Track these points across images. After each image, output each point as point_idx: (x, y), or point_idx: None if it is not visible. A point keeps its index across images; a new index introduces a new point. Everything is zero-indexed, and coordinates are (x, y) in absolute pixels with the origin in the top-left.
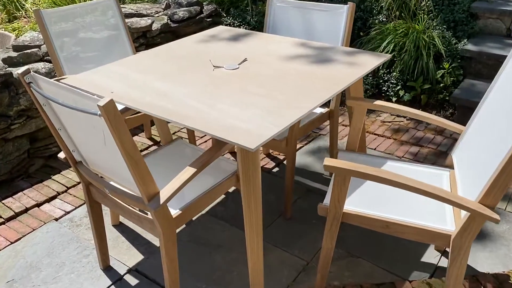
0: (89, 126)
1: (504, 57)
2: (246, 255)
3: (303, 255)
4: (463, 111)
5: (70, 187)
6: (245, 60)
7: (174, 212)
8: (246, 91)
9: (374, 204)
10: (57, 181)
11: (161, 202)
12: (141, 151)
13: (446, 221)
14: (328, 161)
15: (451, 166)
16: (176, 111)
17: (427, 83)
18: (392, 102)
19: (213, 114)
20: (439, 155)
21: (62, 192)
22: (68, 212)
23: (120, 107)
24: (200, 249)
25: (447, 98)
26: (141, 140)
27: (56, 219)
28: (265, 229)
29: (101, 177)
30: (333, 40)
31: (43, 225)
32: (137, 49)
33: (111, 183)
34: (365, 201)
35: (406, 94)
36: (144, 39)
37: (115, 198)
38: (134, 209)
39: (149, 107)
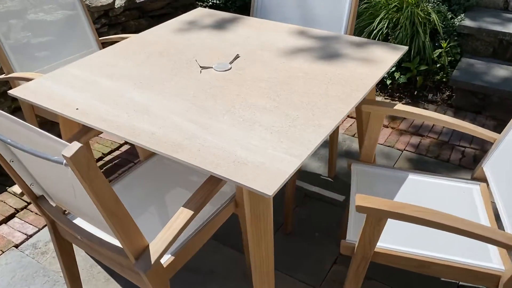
0: (53, 171)
1: (505, 33)
2: (245, 283)
3: (310, 280)
4: (462, 94)
5: (31, 202)
6: (237, 57)
7: (165, 259)
8: (247, 104)
9: (408, 240)
10: (14, 194)
11: (152, 261)
12: (110, 163)
13: (491, 257)
14: (361, 200)
15: (480, 179)
16: (164, 137)
17: (423, 63)
18: (387, 85)
19: (210, 141)
20: (442, 146)
21: (22, 209)
22: (30, 236)
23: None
24: (192, 278)
25: (444, 79)
26: (101, 149)
27: (17, 246)
28: None
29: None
30: (335, 26)
31: (1, 255)
32: (98, 31)
33: (84, 226)
34: (397, 236)
35: (401, 76)
36: (106, 19)
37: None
38: None
39: (130, 132)
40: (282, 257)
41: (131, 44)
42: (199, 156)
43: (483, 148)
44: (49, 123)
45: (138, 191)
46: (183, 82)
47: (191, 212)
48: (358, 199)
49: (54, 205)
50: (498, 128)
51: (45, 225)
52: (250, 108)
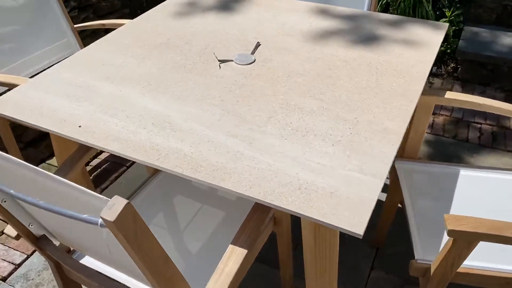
0: (77, 225)
1: None
2: None
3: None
4: (469, 66)
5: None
6: (258, 45)
7: None
8: (289, 106)
9: (490, 254)
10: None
11: None
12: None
13: None
14: (453, 222)
15: None
16: (201, 159)
17: None
18: None
19: (261, 161)
20: (458, 124)
21: (1, 232)
22: (19, 265)
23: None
24: None
25: (448, 50)
26: None
27: (4, 279)
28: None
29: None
30: (356, 1)
31: None
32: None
33: (97, 265)
34: (477, 251)
35: None
36: (75, 1)
37: None
38: None
39: (155, 155)
40: None
41: (125, 35)
42: (253, 184)
43: (499, 123)
44: (21, 127)
45: (154, 216)
46: (203, 81)
47: (244, 251)
48: (450, 221)
49: (57, 244)
50: (509, 100)
51: (35, 250)
52: (295, 111)
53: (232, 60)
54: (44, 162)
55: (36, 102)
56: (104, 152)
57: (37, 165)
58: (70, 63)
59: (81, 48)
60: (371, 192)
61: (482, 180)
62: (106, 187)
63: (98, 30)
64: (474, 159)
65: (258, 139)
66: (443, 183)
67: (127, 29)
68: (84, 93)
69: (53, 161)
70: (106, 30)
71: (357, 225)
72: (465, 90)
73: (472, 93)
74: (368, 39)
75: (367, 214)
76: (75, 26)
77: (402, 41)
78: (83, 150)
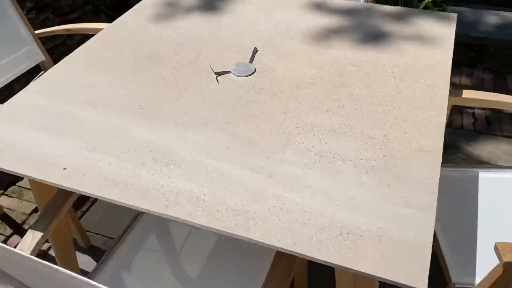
0: None
1: None
2: None
3: None
4: (456, 48)
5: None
6: (255, 51)
7: None
8: (305, 125)
9: None
10: None
11: None
12: None
13: None
14: (508, 254)
15: None
16: (217, 202)
17: None
18: None
19: (288, 199)
20: (451, 111)
21: None
22: None
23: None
24: None
25: None
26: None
27: None
28: None
29: None
30: None
31: None
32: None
33: None
34: None
35: None
36: (31, 1)
37: None
38: None
39: (162, 201)
40: None
41: (101, 46)
42: (284, 231)
43: (492, 107)
44: None
45: (151, 263)
46: (201, 101)
47: None
48: (505, 252)
49: None
50: (498, 81)
51: None
52: (313, 132)
53: (230, 72)
54: (14, 184)
55: (6, 140)
56: None
57: (5, 188)
58: (41, 86)
59: (45, 56)
60: (425, 232)
61: (504, 182)
62: (85, 212)
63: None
64: (472, 148)
65: (278, 171)
66: (466, 189)
67: (102, 38)
68: (63, 124)
69: (25, 183)
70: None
71: (418, 278)
72: (452, 72)
73: (460, 76)
74: (376, 37)
75: (426, 261)
76: (36, 32)
77: (412, 38)
78: (66, 193)
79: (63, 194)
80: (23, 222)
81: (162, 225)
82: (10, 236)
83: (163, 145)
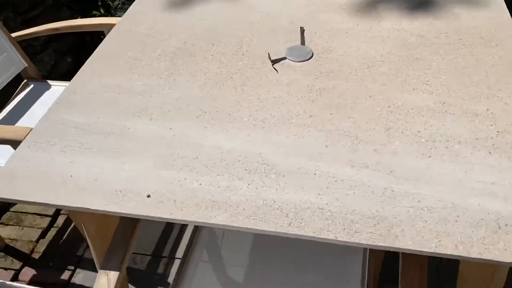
0: None
1: None
2: None
3: None
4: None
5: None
6: (302, 31)
7: None
8: (398, 108)
9: None
10: None
11: None
12: None
13: None
14: None
15: None
16: (347, 213)
17: None
18: None
19: (417, 194)
20: None
21: None
22: None
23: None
24: None
25: None
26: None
27: None
28: None
29: None
30: None
31: None
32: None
33: None
34: None
35: None
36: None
37: None
38: None
39: (288, 220)
40: None
41: (122, 45)
42: (436, 233)
43: None
44: None
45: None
46: (268, 95)
47: None
48: None
49: None
50: None
51: None
52: (411, 115)
53: (285, 58)
54: (7, 210)
55: (59, 170)
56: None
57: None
58: (69, 100)
59: (26, 63)
60: None
61: None
62: None
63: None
64: None
65: (395, 164)
66: None
67: (121, 35)
68: (119, 142)
69: (20, 207)
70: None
71: None
72: None
73: None
74: (423, 3)
75: None
76: (13, 35)
77: (460, 1)
78: (134, 220)
79: (131, 222)
80: (32, 251)
81: (226, 235)
82: (20, 269)
83: (250, 152)
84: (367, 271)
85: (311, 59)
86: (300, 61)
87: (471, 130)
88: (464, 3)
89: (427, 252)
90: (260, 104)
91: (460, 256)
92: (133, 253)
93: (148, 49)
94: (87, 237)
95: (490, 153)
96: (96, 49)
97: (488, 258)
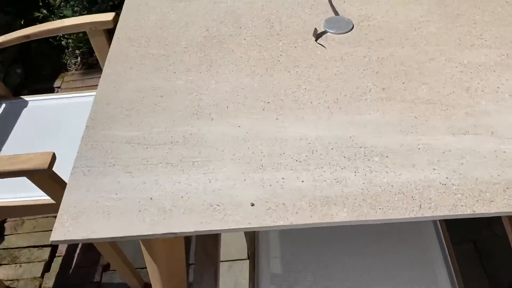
0: None
1: None
2: None
3: None
4: None
5: None
6: (330, 0)
7: None
8: (467, 67)
9: None
10: None
11: None
12: None
13: None
14: None
15: None
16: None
17: None
18: None
19: None
20: None
21: None
22: None
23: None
24: None
25: None
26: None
27: None
28: None
29: None
30: None
31: None
32: None
33: None
34: None
35: None
36: None
37: None
38: None
39: (429, 204)
40: None
41: (141, 41)
42: None
43: None
44: None
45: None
46: (327, 74)
47: None
48: None
49: None
50: None
51: None
52: (482, 71)
53: (325, 32)
54: None
55: (130, 195)
56: None
57: None
58: (108, 113)
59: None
60: None
61: None
62: None
63: None
64: None
65: (493, 124)
66: None
67: (128, 35)
68: (189, 150)
69: (10, 242)
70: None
71: None
72: None
73: None
74: None
75: None
76: None
77: None
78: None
79: (212, 238)
80: None
81: (287, 233)
82: None
83: (339, 137)
84: (443, 241)
85: (353, 29)
86: (343, 33)
87: None
88: None
89: None
90: (323, 84)
91: None
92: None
93: (170, 43)
94: (147, 263)
95: None
96: (109, 53)
97: None
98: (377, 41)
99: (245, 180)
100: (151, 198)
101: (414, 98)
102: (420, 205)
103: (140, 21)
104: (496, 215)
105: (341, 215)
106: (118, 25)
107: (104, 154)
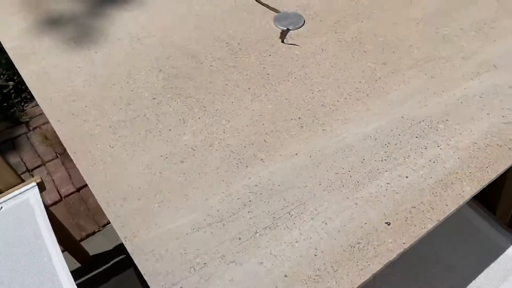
0: None
1: None
2: None
3: None
4: None
5: None
6: (259, 1)
7: None
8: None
9: None
10: None
11: None
12: None
13: None
14: None
15: None
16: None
17: None
18: None
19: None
20: None
21: None
22: None
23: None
24: None
25: None
26: None
27: None
28: None
29: None
30: None
31: None
32: None
33: None
34: None
35: None
36: None
37: None
38: None
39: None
40: None
41: (79, 118)
42: None
43: None
44: None
45: None
46: (327, 69)
47: None
48: None
49: None
50: None
51: None
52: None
53: (288, 30)
54: None
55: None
56: None
57: None
58: (120, 158)
59: None
60: None
61: None
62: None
63: None
64: None
65: None
66: None
67: (67, 112)
68: (280, 200)
69: None
70: None
71: None
72: None
73: None
74: None
75: None
76: None
77: None
78: None
79: None
80: None
81: None
82: None
83: (393, 121)
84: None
85: (306, 21)
86: (300, 26)
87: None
88: None
89: None
90: (330, 80)
91: None
92: None
93: (132, 101)
94: None
95: None
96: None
97: None
98: (336, 23)
99: (356, 204)
100: (285, 276)
101: (414, 63)
102: None
103: (50, 93)
104: None
105: (467, 190)
106: (37, 98)
107: (182, 257)
